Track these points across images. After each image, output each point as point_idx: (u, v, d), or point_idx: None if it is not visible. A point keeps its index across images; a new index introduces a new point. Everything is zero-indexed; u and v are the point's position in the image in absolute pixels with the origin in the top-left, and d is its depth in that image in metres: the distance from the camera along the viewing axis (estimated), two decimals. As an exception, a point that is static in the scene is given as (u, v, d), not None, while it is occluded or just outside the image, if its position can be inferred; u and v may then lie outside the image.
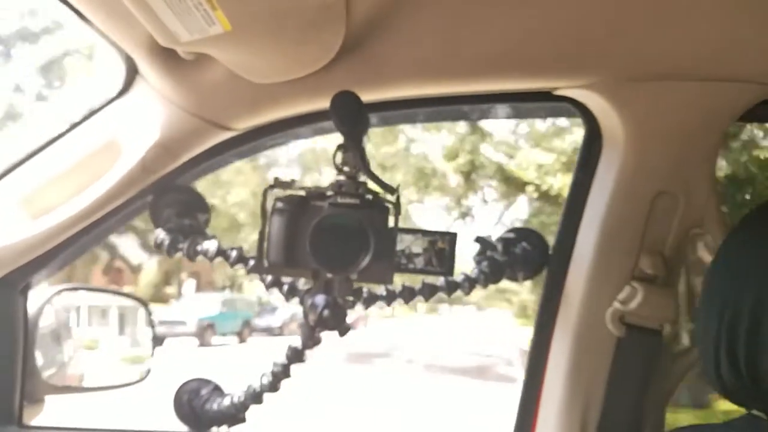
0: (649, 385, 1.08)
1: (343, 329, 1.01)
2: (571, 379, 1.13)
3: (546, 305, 1.20)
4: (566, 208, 1.18)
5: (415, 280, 1.15)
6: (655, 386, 1.08)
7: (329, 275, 0.92)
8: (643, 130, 1.03)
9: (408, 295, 1.13)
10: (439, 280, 1.13)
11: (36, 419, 1.21)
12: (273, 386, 1.14)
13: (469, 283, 1.13)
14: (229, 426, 1.18)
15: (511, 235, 1.19)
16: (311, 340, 1.09)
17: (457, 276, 1.13)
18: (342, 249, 0.88)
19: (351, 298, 1.04)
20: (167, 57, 0.94)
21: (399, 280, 1.14)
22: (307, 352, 1.11)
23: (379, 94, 1.06)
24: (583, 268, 1.11)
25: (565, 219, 1.18)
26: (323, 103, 0.91)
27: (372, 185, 0.94)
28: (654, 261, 1.06)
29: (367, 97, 1.01)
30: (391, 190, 0.94)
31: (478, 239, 1.17)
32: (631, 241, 1.07)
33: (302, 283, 1.09)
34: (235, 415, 1.16)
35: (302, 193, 0.93)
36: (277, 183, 0.94)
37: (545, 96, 1.09)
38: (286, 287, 1.09)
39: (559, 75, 1.03)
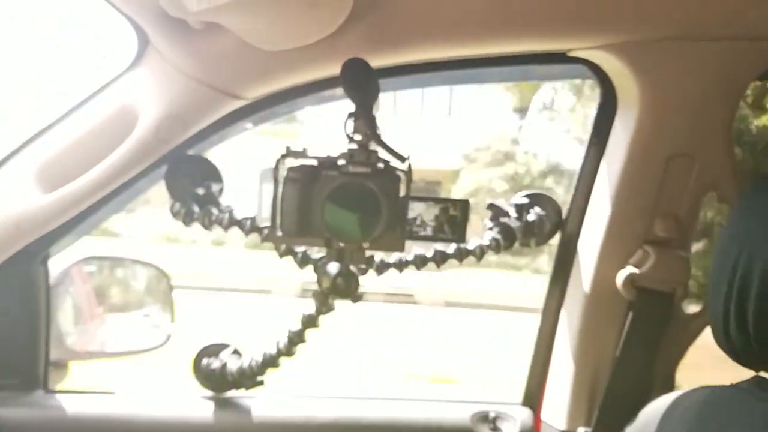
0: (660, 347, 1.08)
1: (356, 297, 1.02)
2: (582, 341, 1.14)
3: (558, 269, 1.20)
4: (580, 171, 1.17)
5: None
6: (666, 348, 1.09)
7: (341, 244, 0.93)
8: (660, 92, 1.02)
9: (420, 262, 1.13)
10: (451, 247, 1.14)
11: (61, 384, 1.25)
12: (289, 351, 1.16)
13: (481, 250, 1.14)
14: (248, 389, 1.21)
15: (525, 200, 1.19)
16: (325, 306, 1.10)
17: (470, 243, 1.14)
18: (354, 217, 0.89)
19: (363, 266, 1.05)
20: (178, 27, 0.94)
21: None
22: (320, 318, 1.13)
23: (391, 59, 1.05)
24: (596, 231, 1.11)
25: (579, 183, 1.17)
26: (335, 70, 0.90)
27: (384, 154, 0.94)
28: (667, 224, 1.05)
29: (379, 62, 1.01)
30: (402, 158, 0.94)
31: (490, 206, 1.17)
32: (645, 204, 1.07)
33: (315, 251, 1.10)
34: (253, 378, 1.19)
35: (314, 162, 0.93)
36: (289, 152, 0.94)
37: (559, 57, 1.07)
38: (299, 255, 1.10)
39: (574, 35, 1.01)
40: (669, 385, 1.10)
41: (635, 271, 1.06)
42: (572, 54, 1.06)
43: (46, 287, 1.19)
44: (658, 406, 0.89)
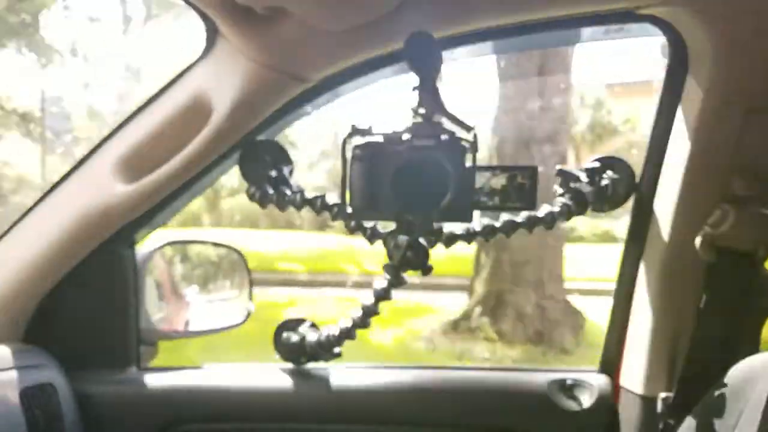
0: (743, 308, 1.05)
1: (427, 269, 1.03)
2: (660, 305, 1.12)
3: (633, 233, 1.18)
4: (652, 132, 1.14)
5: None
6: (750, 309, 1.05)
7: (410, 217, 0.95)
8: (735, 45, 0.98)
9: (489, 232, 1.13)
10: (520, 216, 1.13)
11: (152, 361, 1.33)
12: (363, 323, 1.19)
13: (552, 217, 1.13)
14: (326, 360, 1.25)
15: (596, 164, 1.17)
16: (396, 279, 1.12)
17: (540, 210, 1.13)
18: (422, 190, 0.90)
19: (432, 238, 1.06)
20: (244, 14, 0.96)
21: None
22: (392, 291, 1.15)
23: (454, 28, 1.04)
24: (672, 193, 1.08)
25: (651, 144, 1.14)
26: (398, 45, 0.91)
27: (448, 125, 0.94)
28: (747, 181, 1.01)
29: (442, 32, 1.01)
30: (468, 128, 0.94)
31: (560, 172, 1.16)
32: (722, 161, 1.03)
33: (384, 226, 1.12)
34: (330, 349, 1.23)
35: (380, 139, 0.95)
36: (355, 130, 0.96)
37: (628, 16, 1.04)
38: (369, 231, 1.12)
39: None
40: (754, 348, 1.07)
41: (714, 231, 1.03)
42: (641, 12, 1.02)
43: (135, 271, 1.26)
44: (750, 366, 0.87)
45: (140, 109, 1.15)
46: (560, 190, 1.15)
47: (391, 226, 1.04)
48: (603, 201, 1.14)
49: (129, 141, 1.15)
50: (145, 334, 1.29)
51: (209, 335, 1.52)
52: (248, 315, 1.42)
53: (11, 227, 1.20)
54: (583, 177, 1.14)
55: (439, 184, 0.89)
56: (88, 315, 1.23)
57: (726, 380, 0.89)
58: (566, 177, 1.15)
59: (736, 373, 0.88)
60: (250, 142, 1.16)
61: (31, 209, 1.19)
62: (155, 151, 1.13)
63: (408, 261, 1.04)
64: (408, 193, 0.90)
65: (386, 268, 1.11)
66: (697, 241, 1.04)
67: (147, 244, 1.32)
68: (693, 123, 1.03)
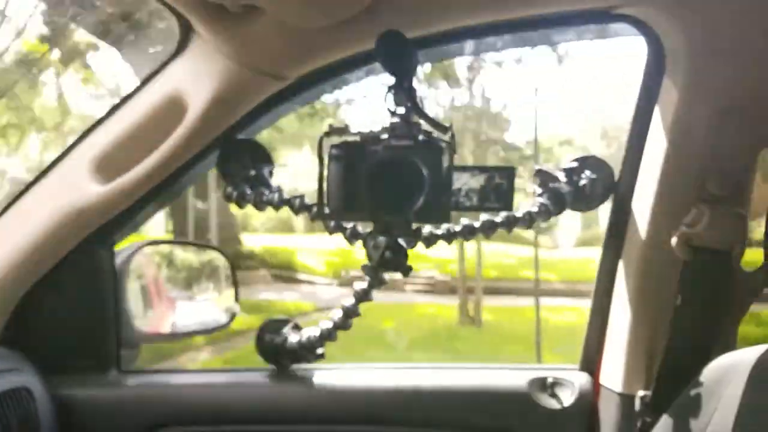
0: (719, 306, 1.05)
1: (406, 270, 1.03)
2: (639, 303, 1.12)
3: (612, 232, 1.18)
4: (630, 132, 1.14)
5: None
6: (726, 308, 1.06)
7: (386, 217, 0.95)
8: (710, 44, 0.98)
9: (468, 232, 1.13)
10: (499, 216, 1.13)
11: (134, 364, 1.31)
12: (344, 324, 1.19)
13: (530, 217, 1.13)
14: (309, 362, 1.25)
15: (575, 164, 1.17)
16: (376, 280, 1.12)
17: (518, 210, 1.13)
18: (398, 191, 0.90)
19: (411, 239, 1.06)
20: (217, 12, 0.96)
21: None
22: (372, 292, 1.15)
23: (430, 28, 1.05)
24: (649, 192, 1.09)
25: (629, 143, 1.15)
26: (373, 44, 0.91)
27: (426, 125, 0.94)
28: (721, 181, 1.02)
29: (417, 32, 1.01)
30: (444, 129, 0.94)
31: (538, 172, 1.16)
32: (697, 161, 1.04)
33: (364, 227, 1.12)
34: (313, 351, 1.23)
35: (357, 138, 0.94)
36: (332, 130, 0.96)
37: (603, 16, 1.05)
38: (348, 231, 1.12)
39: None
40: (730, 345, 1.07)
41: (690, 230, 1.03)
42: (616, 11, 1.03)
43: (113, 272, 1.24)
44: (725, 364, 0.87)
45: (114, 109, 1.14)
46: (539, 190, 1.15)
47: (372, 226, 1.04)
48: (581, 200, 1.14)
49: (103, 141, 1.14)
50: (126, 336, 1.28)
51: (191, 337, 1.51)
52: (233, 316, 1.42)
53: None
54: (562, 177, 1.15)
55: (414, 185, 0.89)
56: (66, 317, 1.22)
57: (701, 379, 0.89)
58: (545, 177, 1.15)
59: (710, 371, 0.88)
60: (229, 141, 1.15)
61: (5, 209, 1.18)
62: (130, 150, 1.12)
63: (387, 262, 1.04)
64: (383, 193, 0.90)
65: (365, 269, 1.11)
66: (674, 240, 1.04)
67: (128, 245, 1.31)
68: (669, 122, 1.04)
